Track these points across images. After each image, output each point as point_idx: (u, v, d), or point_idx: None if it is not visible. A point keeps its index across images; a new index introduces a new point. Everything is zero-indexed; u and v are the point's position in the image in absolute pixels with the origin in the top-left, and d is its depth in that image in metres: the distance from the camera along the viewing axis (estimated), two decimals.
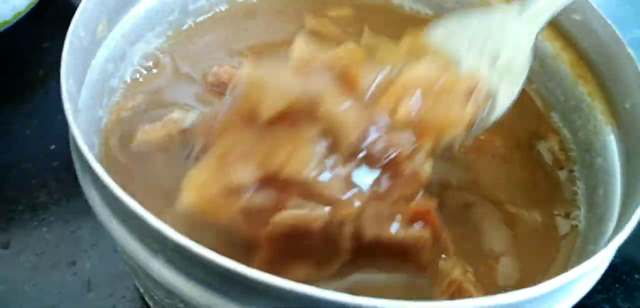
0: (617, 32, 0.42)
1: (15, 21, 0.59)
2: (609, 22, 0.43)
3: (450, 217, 0.39)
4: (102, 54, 0.43)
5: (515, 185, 0.43)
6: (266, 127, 0.34)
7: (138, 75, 0.46)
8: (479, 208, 0.41)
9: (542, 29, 0.42)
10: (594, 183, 0.43)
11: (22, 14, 0.59)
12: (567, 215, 0.42)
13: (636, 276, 0.52)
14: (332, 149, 0.34)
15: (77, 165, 0.36)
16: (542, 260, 0.40)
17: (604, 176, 0.42)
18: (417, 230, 0.35)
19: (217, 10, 0.52)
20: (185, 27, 0.50)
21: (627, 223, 0.32)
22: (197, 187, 0.34)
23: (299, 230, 0.33)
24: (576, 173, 0.45)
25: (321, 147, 0.34)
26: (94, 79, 0.42)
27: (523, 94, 0.42)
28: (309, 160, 0.33)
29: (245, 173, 0.33)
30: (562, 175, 0.45)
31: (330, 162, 0.34)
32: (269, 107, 0.34)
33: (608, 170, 0.42)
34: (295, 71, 0.36)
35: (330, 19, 0.52)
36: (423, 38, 0.43)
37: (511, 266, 0.39)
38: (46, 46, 0.61)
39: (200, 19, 0.51)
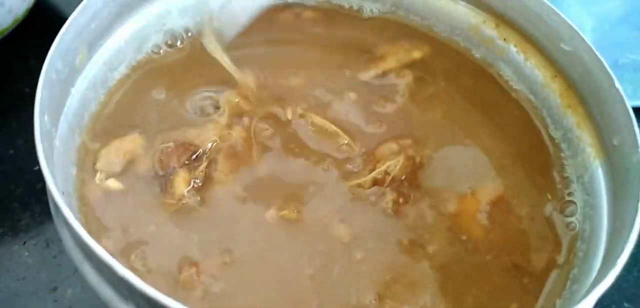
0: (607, 66, 0.42)
1: (12, 28, 0.58)
2: (599, 56, 0.42)
3: None
4: (82, 83, 0.42)
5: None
6: None
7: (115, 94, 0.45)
8: None
9: None
10: (582, 217, 0.42)
11: (19, 22, 0.58)
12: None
13: (626, 304, 0.51)
14: None
15: (51, 205, 0.35)
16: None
17: (591, 211, 0.42)
18: None
19: None
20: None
21: (608, 274, 0.32)
22: None
23: None
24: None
25: None
26: (73, 107, 0.41)
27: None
28: None
29: None
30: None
31: None
32: None
33: (594, 205, 0.41)
34: None
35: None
36: None
37: None
38: (34, 63, 0.60)
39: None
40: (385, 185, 0.42)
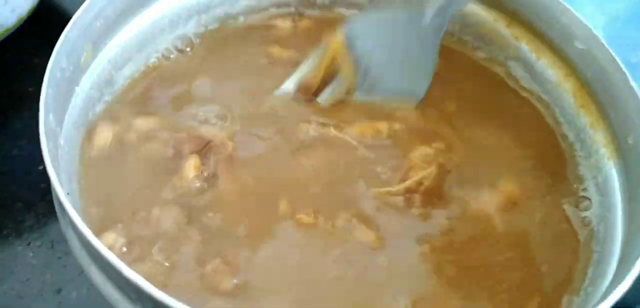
0: (621, 64, 0.41)
1: (16, 28, 0.57)
2: (613, 53, 0.41)
3: None
4: (86, 82, 0.41)
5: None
6: None
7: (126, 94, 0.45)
8: None
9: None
10: (596, 219, 0.41)
11: (23, 21, 0.58)
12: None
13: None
14: None
15: (56, 206, 0.35)
16: None
17: (605, 213, 0.41)
18: None
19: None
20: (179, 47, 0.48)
21: (625, 278, 0.31)
22: None
23: None
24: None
25: None
26: (77, 106, 0.41)
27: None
28: None
29: None
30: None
31: None
32: None
33: (609, 207, 0.41)
34: None
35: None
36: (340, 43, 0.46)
37: None
38: (37, 61, 0.59)
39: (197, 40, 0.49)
40: (418, 192, 0.41)
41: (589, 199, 0.42)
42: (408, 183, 0.41)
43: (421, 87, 0.46)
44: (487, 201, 0.41)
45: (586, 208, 0.42)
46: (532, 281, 0.38)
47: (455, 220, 0.40)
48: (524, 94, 0.48)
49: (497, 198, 0.42)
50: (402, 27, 0.46)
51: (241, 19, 0.50)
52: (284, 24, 0.51)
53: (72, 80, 0.40)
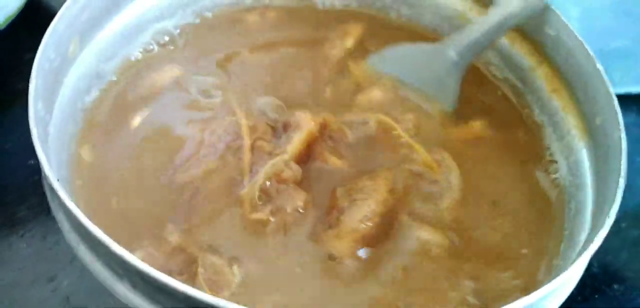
0: (587, 47, 0.43)
1: (5, 26, 0.58)
2: (580, 37, 0.43)
3: None
4: (74, 73, 0.43)
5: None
6: None
7: (112, 86, 0.46)
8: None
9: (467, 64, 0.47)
10: (567, 198, 0.43)
11: (12, 19, 0.59)
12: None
13: (615, 286, 0.52)
14: None
15: (46, 189, 0.36)
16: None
17: (576, 192, 0.42)
18: None
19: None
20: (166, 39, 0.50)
21: (590, 243, 0.33)
22: None
23: None
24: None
25: None
26: (66, 97, 0.42)
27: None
28: None
29: None
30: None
31: None
32: None
33: (580, 186, 0.42)
34: None
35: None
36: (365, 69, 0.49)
37: None
38: (28, 58, 0.60)
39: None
40: None
41: (561, 184, 0.44)
42: None
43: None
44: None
45: (559, 191, 0.44)
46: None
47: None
48: (499, 82, 0.50)
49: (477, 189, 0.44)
50: (427, 58, 0.48)
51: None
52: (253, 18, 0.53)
53: (61, 71, 0.41)
